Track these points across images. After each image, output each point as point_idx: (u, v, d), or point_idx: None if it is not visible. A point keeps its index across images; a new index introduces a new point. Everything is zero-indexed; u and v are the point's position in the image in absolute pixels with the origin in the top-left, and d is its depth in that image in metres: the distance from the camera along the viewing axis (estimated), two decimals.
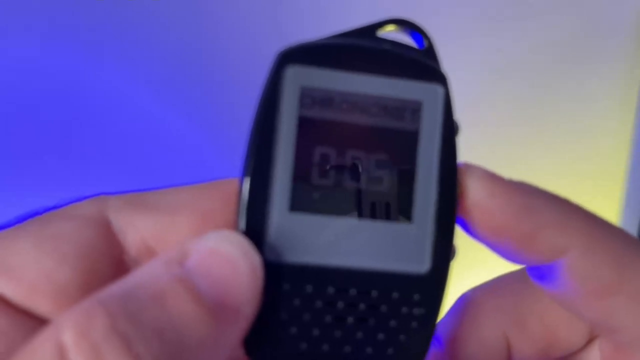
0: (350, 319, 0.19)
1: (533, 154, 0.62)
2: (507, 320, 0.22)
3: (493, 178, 0.19)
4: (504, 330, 0.22)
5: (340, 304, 0.19)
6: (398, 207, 0.19)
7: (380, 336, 0.19)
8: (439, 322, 0.22)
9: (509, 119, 0.61)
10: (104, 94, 0.50)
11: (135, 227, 0.19)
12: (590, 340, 0.22)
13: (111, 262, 0.19)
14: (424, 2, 0.54)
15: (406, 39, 0.20)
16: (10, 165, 0.49)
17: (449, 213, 0.19)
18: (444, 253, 0.19)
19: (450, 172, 0.19)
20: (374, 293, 0.19)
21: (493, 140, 0.60)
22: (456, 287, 0.22)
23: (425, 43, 0.20)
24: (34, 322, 0.18)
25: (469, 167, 0.20)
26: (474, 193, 0.19)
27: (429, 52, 0.20)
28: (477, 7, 0.57)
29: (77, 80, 0.49)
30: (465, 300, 0.23)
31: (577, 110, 0.62)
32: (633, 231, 0.63)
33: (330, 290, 0.18)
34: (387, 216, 0.19)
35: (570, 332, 0.22)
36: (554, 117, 0.62)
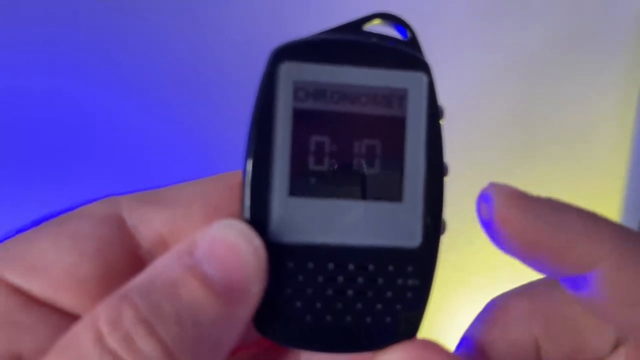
0: (350, 292, 0.20)
1: (532, 154, 0.62)
2: (536, 324, 0.22)
3: (521, 195, 0.20)
4: (534, 334, 0.22)
5: (340, 278, 0.20)
6: (390, 188, 0.20)
7: (379, 306, 0.20)
8: (468, 327, 0.23)
9: (508, 119, 0.61)
10: (104, 109, 0.52)
11: (150, 223, 0.20)
12: (616, 347, 0.23)
13: (127, 257, 0.20)
14: (423, 0, 0.55)
15: (391, 32, 0.21)
16: (18, 174, 0.51)
17: (437, 191, 0.20)
18: (433, 228, 0.20)
19: (436, 153, 0.20)
20: (371, 267, 0.20)
21: (492, 140, 0.60)
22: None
23: (409, 34, 0.21)
24: (59, 317, 0.19)
25: (495, 185, 0.20)
26: (504, 211, 0.20)
27: (413, 43, 0.21)
28: (476, 6, 0.57)
29: (75, 97, 0.51)
30: (494, 305, 0.23)
31: (577, 110, 0.62)
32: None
33: (330, 266, 0.20)
34: (380, 197, 0.20)
35: (598, 338, 0.22)
36: (554, 117, 0.62)
